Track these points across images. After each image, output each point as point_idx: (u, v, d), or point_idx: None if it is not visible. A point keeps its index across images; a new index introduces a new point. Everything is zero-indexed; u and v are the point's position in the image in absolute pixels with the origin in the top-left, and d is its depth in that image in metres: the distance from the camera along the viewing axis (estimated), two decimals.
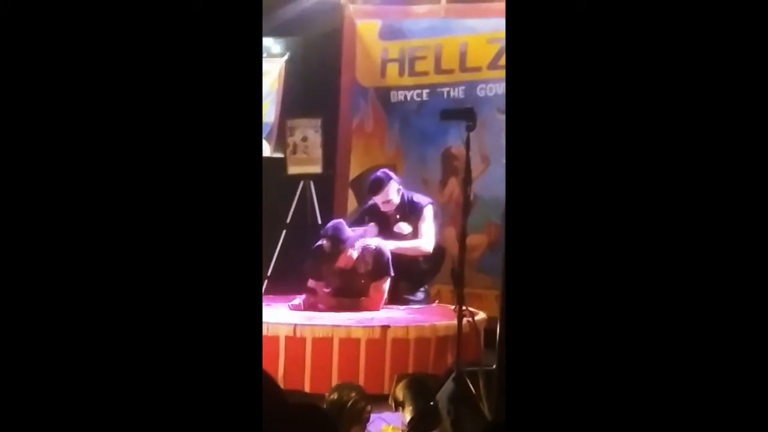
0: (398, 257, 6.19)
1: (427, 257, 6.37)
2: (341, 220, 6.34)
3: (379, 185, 6.36)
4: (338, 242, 5.92)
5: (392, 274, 6.04)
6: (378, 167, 7.58)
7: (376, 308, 5.97)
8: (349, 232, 6.01)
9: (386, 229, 6.40)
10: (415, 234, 6.34)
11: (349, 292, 6.07)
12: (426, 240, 6.33)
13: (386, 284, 6.05)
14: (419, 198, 6.49)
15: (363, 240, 6.07)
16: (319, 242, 6.00)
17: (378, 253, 6.03)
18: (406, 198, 6.43)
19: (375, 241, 6.13)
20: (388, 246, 6.18)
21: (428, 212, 6.39)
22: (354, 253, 5.97)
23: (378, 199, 6.38)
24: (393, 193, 6.35)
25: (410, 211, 6.41)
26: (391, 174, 6.49)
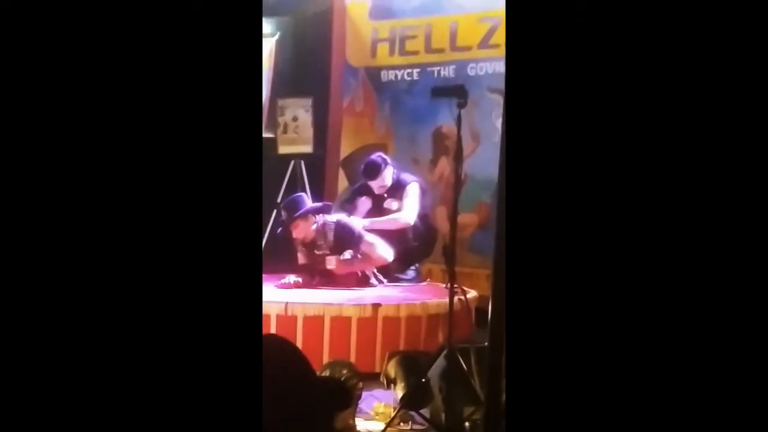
0: (384, 234, 6.23)
1: (417, 233, 6.40)
2: (301, 194, 6.46)
3: (375, 170, 6.43)
4: (292, 212, 6.02)
5: (360, 246, 6.06)
6: (369, 147, 7.61)
7: (350, 285, 6.02)
8: (307, 203, 6.14)
9: (377, 207, 6.44)
10: (399, 209, 6.38)
11: (317, 266, 6.11)
12: (405, 213, 6.38)
13: (347, 256, 6.06)
14: (406, 176, 6.56)
15: (321, 214, 6.14)
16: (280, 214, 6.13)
17: (339, 226, 6.09)
18: (394, 177, 6.47)
19: (335, 216, 6.20)
20: (363, 224, 6.26)
21: (412, 189, 6.46)
22: (312, 225, 6.04)
23: (373, 184, 6.43)
24: (388, 177, 6.41)
25: (396, 189, 6.46)
26: (387, 158, 6.54)
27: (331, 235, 6.06)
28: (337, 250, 6.06)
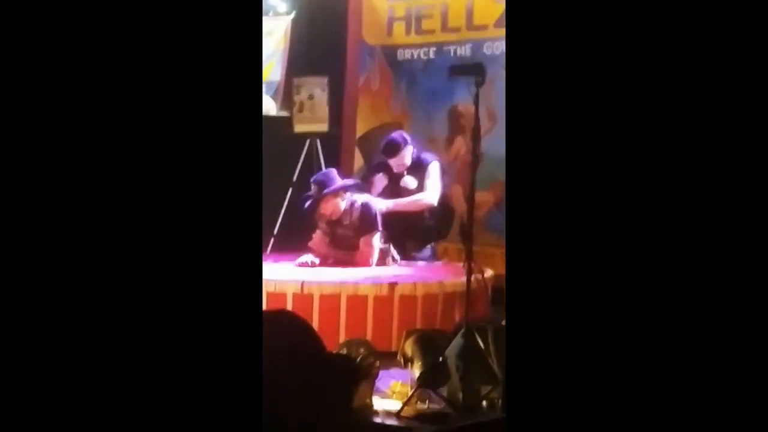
0: (403, 214, 6.22)
1: (433, 213, 6.39)
2: (333, 169, 6.38)
3: (396, 149, 6.41)
4: (324, 187, 5.97)
5: (380, 228, 6.06)
6: (385, 126, 7.59)
7: (366, 264, 6.00)
8: (338, 179, 6.07)
9: (394, 184, 6.43)
10: (420, 189, 6.37)
11: (340, 244, 6.11)
12: (429, 194, 6.36)
13: (375, 239, 6.06)
14: (426, 155, 6.54)
15: (350, 193, 6.12)
16: (309, 191, 6.06)
17: (364, 208, 6.07)
18: (414, 156, 6.45)
19: (363, 197, 6.17)
20: (387, 204, 6.24)
21: (434, 168, 6.44)
22: (341, 203, 6.01)
23: (393, 162, 6.42)
24: (408, 156, 6.40)
25: (416, 168, 6.44)
26: (407, 137, 6.53)
27: (356, 215, 6.05)
28: (360, 230, 6.06)
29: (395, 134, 6.57)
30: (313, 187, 6.03)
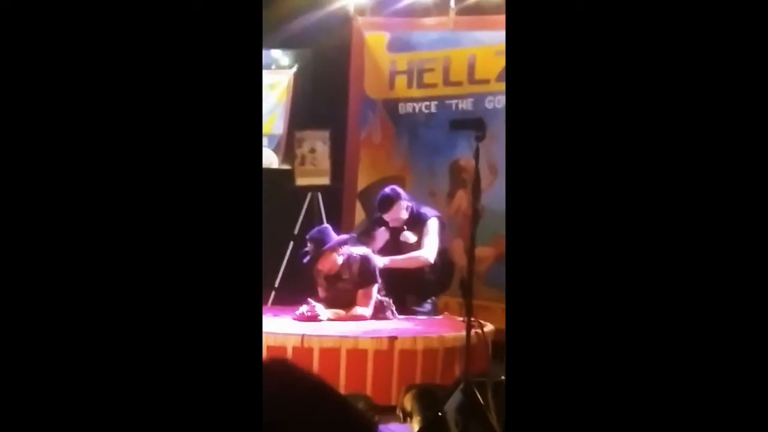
0: (401, 271, 6.22)
1: (433, 268, 6.37)
2: (327, 225, 6.38)
3: (389, 203, 6.40)
4: (320, 244, 5.96)
5: (379, 281, 6.05)
6: (386, 179, 7.59)
7: (363, 316, 5.98)
8: (333, 236, 6.06)
9: (395, 239, 6.42)
10: (419, 245, 6.35)
11: (337, 300, 6.08)
12: (426, 251, 6.33)
13: (373, 291, 6.05)
14: (426, 210, 6.52)
15: (347, 246, 6.11)
16: (305, 248, 6.04)
17: (363, 260, 6.06)
18: (413, 210, 6.46)
19: (360, 250, 6.16)
20: (384, 261, 6.22)
21: (432, 224, 6.41)
22: (338, 258, 5.99)
23: (387, 217, 6.42)
24: (402, 210, 6.38)
25: (416, 223, 6.43)
26: (400, 191, 6.50)
27: (356, 269, 6.04)
28: (360, 284, 6.05)
29: (388, 189, 6.54)
30: (309, 244, 6.03)
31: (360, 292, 6.02)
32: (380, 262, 6.20)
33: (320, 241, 5.99)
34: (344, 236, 6.28)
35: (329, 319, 5.90)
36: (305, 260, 6.03)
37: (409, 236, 6.38)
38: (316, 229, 6.24)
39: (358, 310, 5.98)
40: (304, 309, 5.96)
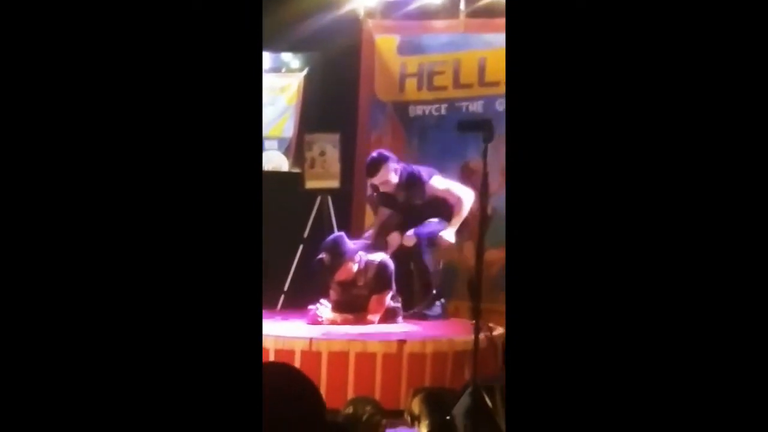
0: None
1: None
2: (342, 233, 6.33)
3: (376, 166, 6.43)
4: (338, 255, 5.94)
5: (394, 288, 6.03)
6: None
7: (372, 321, 5.99)
8: (349, 244, 6.03)
9: (413, 218, 6.46)
10: (432, 208, 6.40)
11: (349, 305, 6.07)
12: (464, 197, 6.43)
13: (387, 298, 6.05)
14: (418, 169, 6.57)
15: (363, 252, 6.10)
16: (320, 256, 5.99)
17: (381, 267, 6.04)
18: (405, 173, 6.48)
19: (377, 256, 6.13)
20: (451, 234, 6.32)
21: (438, 181, 6.46)
22: (354, 266, 5.96)
23: (376, 181, 6.45)
24: (390, 173, 6.40)
25: (413, 186, 6.46)
26: (388, 154, 6.53)
27: (371, 275, 6.03)
28: (374, 290, 6.03)
29: (374, 152, 6.59)
30: (324, 254, 5.98)
31: (374, 298, 6.00)
32: (450, 237, 6.27)
33: (336, 251, 5.96)
34: (359, 242, 6.25)
35: (332, 322, 5.88)
36: (320, 270, 6.00)
37: (415, 203, 6.42)
38: (330, 237, 6.19)
39: (369, 317, 5.96)
40: (313, 307, 5.96)
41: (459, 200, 6.40)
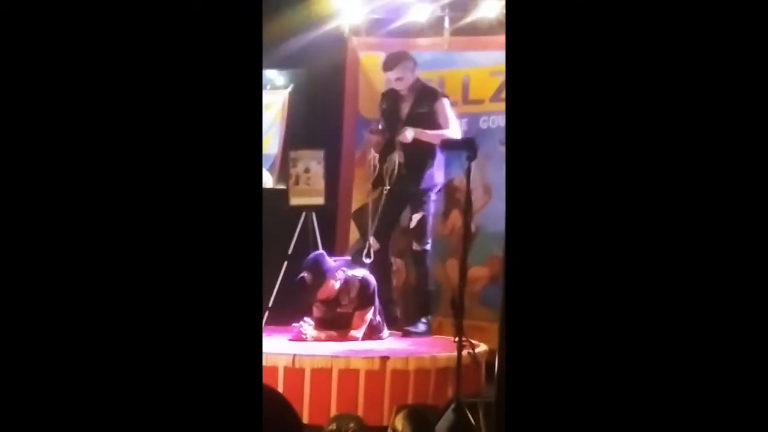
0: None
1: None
2: (322, 251, 6.35)
3: (395, 60, 6.54)
4: (319, 273, 5.95)
5: (377, 304, 6.05)
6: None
7: (354, 337, 6.00)
8: (330, 263, 6.05)
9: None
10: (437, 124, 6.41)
11: (333, 323, 6.08)
12: (451, 129, 6.40)
13: (369, 314, 6.06)
14: (433, 90, 6.64)
15: (344, 270, 6.11)
16: (301, 274, 6.00)
17: (363, 283, 6.05)
18: (419, 82, 6.57)
19: (359, 272, 6.14)
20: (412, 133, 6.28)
21: (446, 104, 6.54)
22: (336, 284, 5.97)
23: (392, 75, 6.52)
24: (407, 69, 6.50)
25: (424, 96, 6.54)
26: (409, 52, 6.62)
27: (354, 293, 6.03)
28: (358, 306, 6.04)
29: (397, 50, 6.69)
30: (305, 273, 6.00)
31: (356, 314, 6.02)
32: (409, 133, 6.28)
33: (317, 269, 5.97)
34: (339, 260, 6.26)
35: (317, 339, 5.89)
36: (302, 288, 6.00)
37: (408, 135, 6.41)
38: (311, 256, 6.21)
39: (352, 333, 5.97)
40: (297, 325, 5.98)
41: (448, 130, 6.42)
